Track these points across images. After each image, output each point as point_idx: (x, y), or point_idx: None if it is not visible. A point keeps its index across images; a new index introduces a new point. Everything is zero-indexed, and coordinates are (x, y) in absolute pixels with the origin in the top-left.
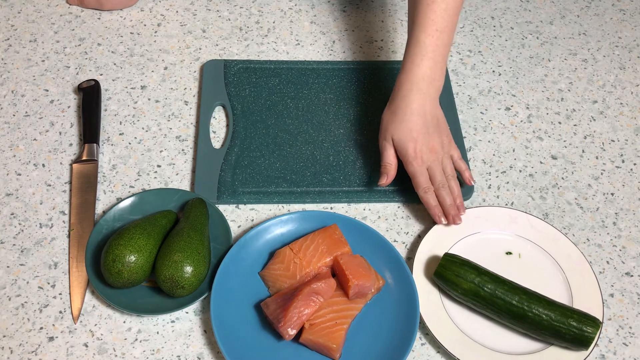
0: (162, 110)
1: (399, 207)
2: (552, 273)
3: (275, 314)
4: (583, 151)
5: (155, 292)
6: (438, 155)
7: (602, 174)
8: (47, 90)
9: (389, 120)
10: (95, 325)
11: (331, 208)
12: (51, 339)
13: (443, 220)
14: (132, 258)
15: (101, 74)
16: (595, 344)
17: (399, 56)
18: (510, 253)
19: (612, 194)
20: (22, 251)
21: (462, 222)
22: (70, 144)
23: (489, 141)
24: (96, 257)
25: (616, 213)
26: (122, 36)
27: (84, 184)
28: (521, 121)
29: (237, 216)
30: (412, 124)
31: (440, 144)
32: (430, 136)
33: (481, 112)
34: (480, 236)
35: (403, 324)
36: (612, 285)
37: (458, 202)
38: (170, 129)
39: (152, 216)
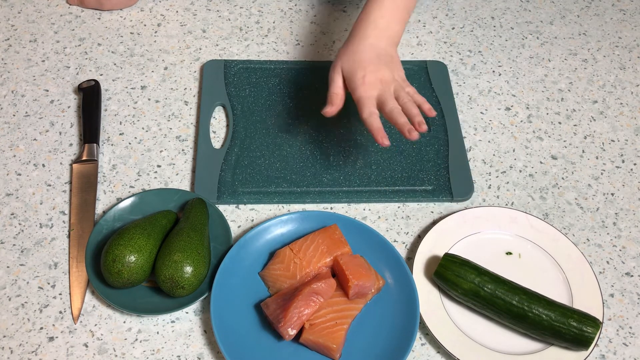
0: (162, 110)
1: (399, 207)
2: (552, 273)
3: (275, 314)
4: (583, 151)
5: (155, 292)
6: (388, 85)
7: (602, 174)
8: (47, 90)
9: (342, 53)
10: (95, 325)
11: (331, 208)
12: (51, 339)
13: (386, 141)
14: (132, 258)
15: (101, 74)
16: (595, 344)
17: None
18: (510, 253)
19: (612, 194)
20: (22, 251)
21: (418, 137)
22: (70, 144)
23: (489, 141)
24: (96, 257)
25: (616, 213)
26: (122, 36)
27: (84, 184)
28: (521, 121)
29: (237, 216)
30: (364, 54)
31: (391, 77)
32: (380, 67)
33: (481, 112)
34: (480, 236)
35: (403, 324)
36: (612, 285)
37: (417, 120)
38: (170, 129)
39: (152, 216)
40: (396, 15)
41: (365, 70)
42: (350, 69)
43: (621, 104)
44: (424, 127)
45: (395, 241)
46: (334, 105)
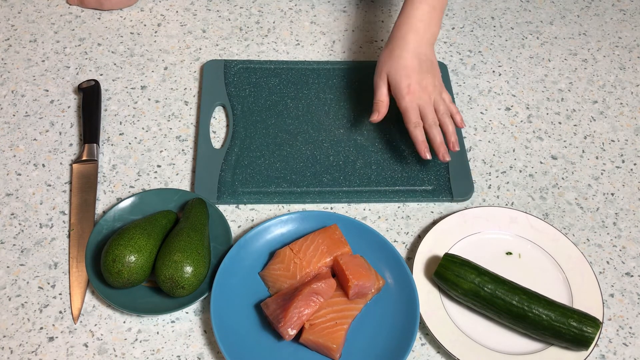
0: (162, 110)
1: (399, 207)
2: (552, 273)
3: (276, 314)
4: (583, 151)
5: (155, 292)
6: (430, 95)
7: (602, 174)
8: (47, 90)
9: (385, 59)
10: (95, 325)
11: (331, 208)
12: (51, 339)
13: (428, 155)
14: (132, 258)
15: (101, 74)
16: (595, 344)
17: None
18: (510, 253)
19: (612, 194)
20: (22, 251)
21: (450, 159)
22: (70, 144)
23: (489, 141)
24: (96, 257)
25: (616, 213)
26: (122, 36)
27: (84, 184)
28: (521, 121)
29: (237, 216)
30: (407, 61)
31: (432, 84)
32: (423, 75)
33: (481, 112)
34: (480, 236)
35: (403, 324)
36: (612, 285)
37: (453, 139)
38: (170, 129)
39: (152, 216)
40: (434, 16)
41: (410, 78)
42: (396, 76)
43: (621, 104)
44: (457, 148)
45: (395, 241)
46: (380, 113)
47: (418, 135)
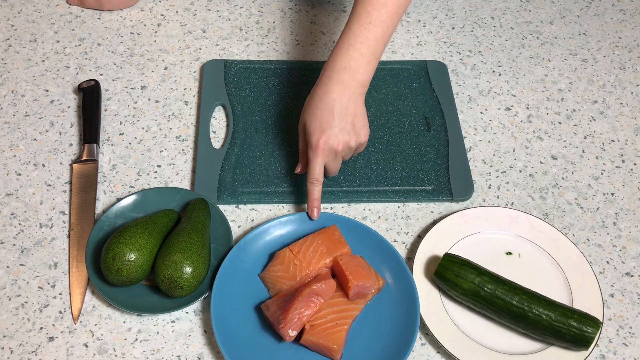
0: (162, 110)
1: (399, 207)
2: (552, 273)
3: (276, 316)
4: (583, 151)
5: (154, 292)
6: (339, 155)
7: (602, 174)
8: (47, 90)
9: (306, 106)
10: (95, 325)
11: (331, 208)
12: (51, 339)
13: (315, 215)
14: (132, 256)
15: (101, 74)
16: (596, 344)
17: (398, 56)
18: (510, 253)
19: (612, 194)
20: (22, 251)
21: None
22: (70, 144)
23: (489, 141)
24: (97, 254)
25: (616, 213)
26: (122, 36)
27: (84, 184)
28: (521, 121)
29: (237, 216)
30: (325, 114)
31: (346, 143)
32: (338, 133)
33: (481, 112)
34: (480, 236)
35: (403, 324)
36: (612, 285)
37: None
38: (170, 129)
39: (154, 215)
40: (362, 63)
41: (323, 133)
42: (310, 127)
43: (621, 104)
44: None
45: (395, 241)
46: (301, 164)
47: (313, 192)
